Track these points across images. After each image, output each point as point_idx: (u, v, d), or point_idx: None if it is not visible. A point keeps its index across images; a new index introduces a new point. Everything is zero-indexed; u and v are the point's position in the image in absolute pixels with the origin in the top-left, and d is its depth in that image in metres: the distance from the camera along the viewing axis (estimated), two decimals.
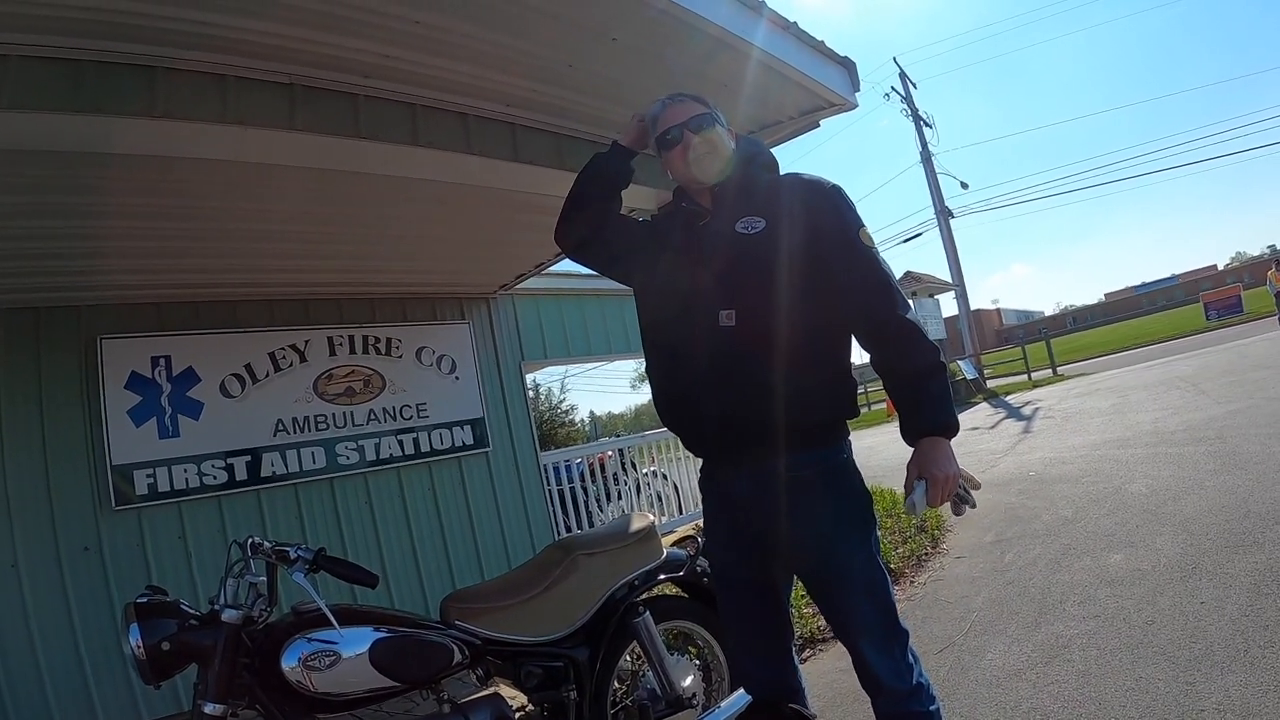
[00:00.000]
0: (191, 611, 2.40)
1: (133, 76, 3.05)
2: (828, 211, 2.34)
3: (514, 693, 3.18)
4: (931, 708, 2.35)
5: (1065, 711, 3.40)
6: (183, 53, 3.11)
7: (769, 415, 2.25)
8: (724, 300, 2.28)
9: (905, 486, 2.21)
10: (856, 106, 4.86)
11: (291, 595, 2.59)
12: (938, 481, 2.14)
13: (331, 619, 2.42)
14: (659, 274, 2.50)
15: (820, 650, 4.90)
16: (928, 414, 2.22)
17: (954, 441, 2.24)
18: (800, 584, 2.58)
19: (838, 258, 2.29)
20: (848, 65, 4.73)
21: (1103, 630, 4.13)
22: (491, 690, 2.94)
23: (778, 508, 2.30)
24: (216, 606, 2.37)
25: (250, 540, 2.50)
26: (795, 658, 2.64)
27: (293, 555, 2.43)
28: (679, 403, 2.46)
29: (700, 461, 2.62)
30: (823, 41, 4.44)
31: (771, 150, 2.62)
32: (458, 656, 2.73)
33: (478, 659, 2.85)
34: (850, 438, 2.49)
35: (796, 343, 2.26)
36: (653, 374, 2.58)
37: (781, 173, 2.52)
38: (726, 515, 2.46)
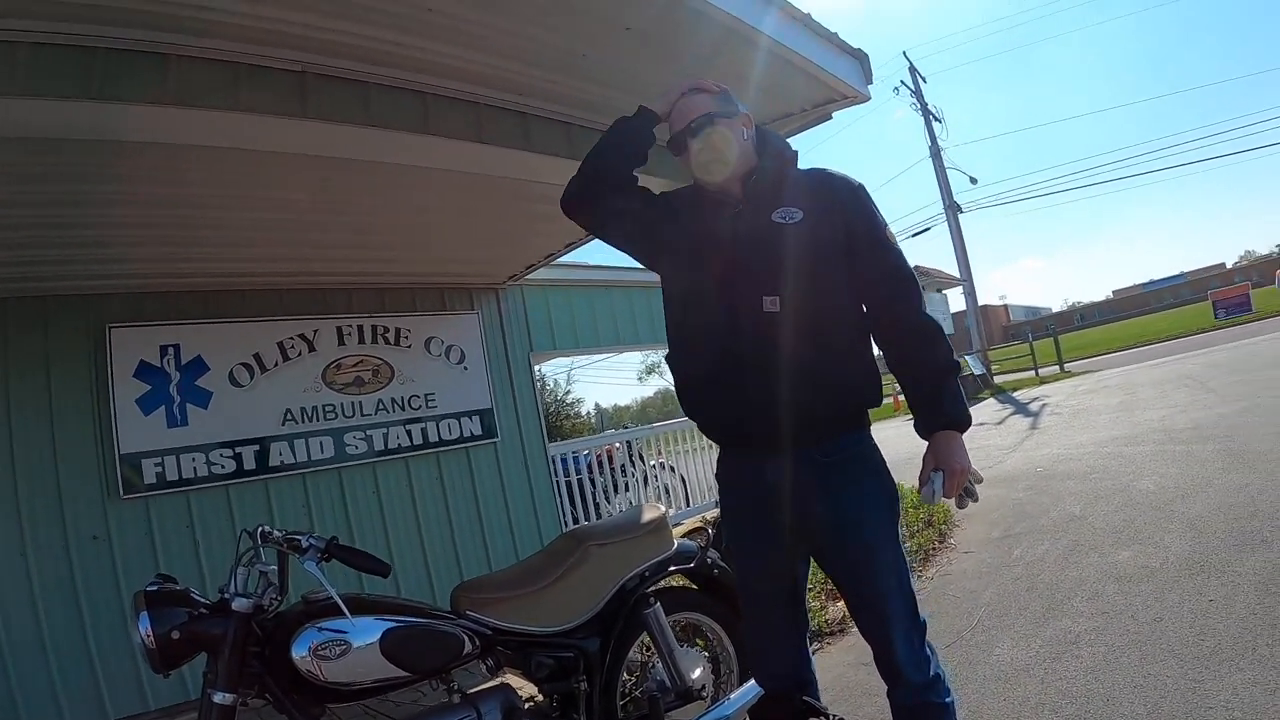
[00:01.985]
0: (201, 600, 2.39)
1: (144, 64, 3.05)
2: (859, 208, 2.39)
3: (523, 683, 3.19)
4: (948, 700, 2.39)
5: (1073, 707, 3.40)
6: (194, 39, 3.10)
7: (812, 400, 2.30)
8: (768, 286, 2.29)
9: (920, 478, 2.28)
10: (869, 99, 4.85)
11: (300, 585, 2.56)
12: (954, 474, 2.22)
13: (343, 608, 2.41)
14: (690, 257, 2.48)
15: (828, 644, 4.91)
16: (946, 409, 2.29)
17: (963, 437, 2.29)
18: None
19: (867, 253, 2.36)
20: (860, 57, 4.72)
21: (1111, 626, 4.14)
22: (500, 681, 2.94)
23: (812, 492, 2.33)
24: (226, 595, 2.36)
25: (261, 529, 2.49)
26: (809, 650, 2.65)
27: (305, 544, 2.42)
28: (716, 388, 2.42)
29: (715, 452, 2.62)
30: (836, 33, 4.43)
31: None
32: (468, 647, 2.73)
33: (488, 649, 2.84)
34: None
35: (835, 330, 2.33)
36: (683, 359, 2.56)
37: (803, 167, 2.52)
38: (754, 505, 2.45)
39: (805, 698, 2.49)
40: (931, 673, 2.38)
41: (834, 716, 2.52)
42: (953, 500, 2.27)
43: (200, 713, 2.32)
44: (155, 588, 2.33)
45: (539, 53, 3.78)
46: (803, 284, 2.28)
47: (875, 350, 2.47)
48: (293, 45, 3.33)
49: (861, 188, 2.43)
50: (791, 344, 2.27)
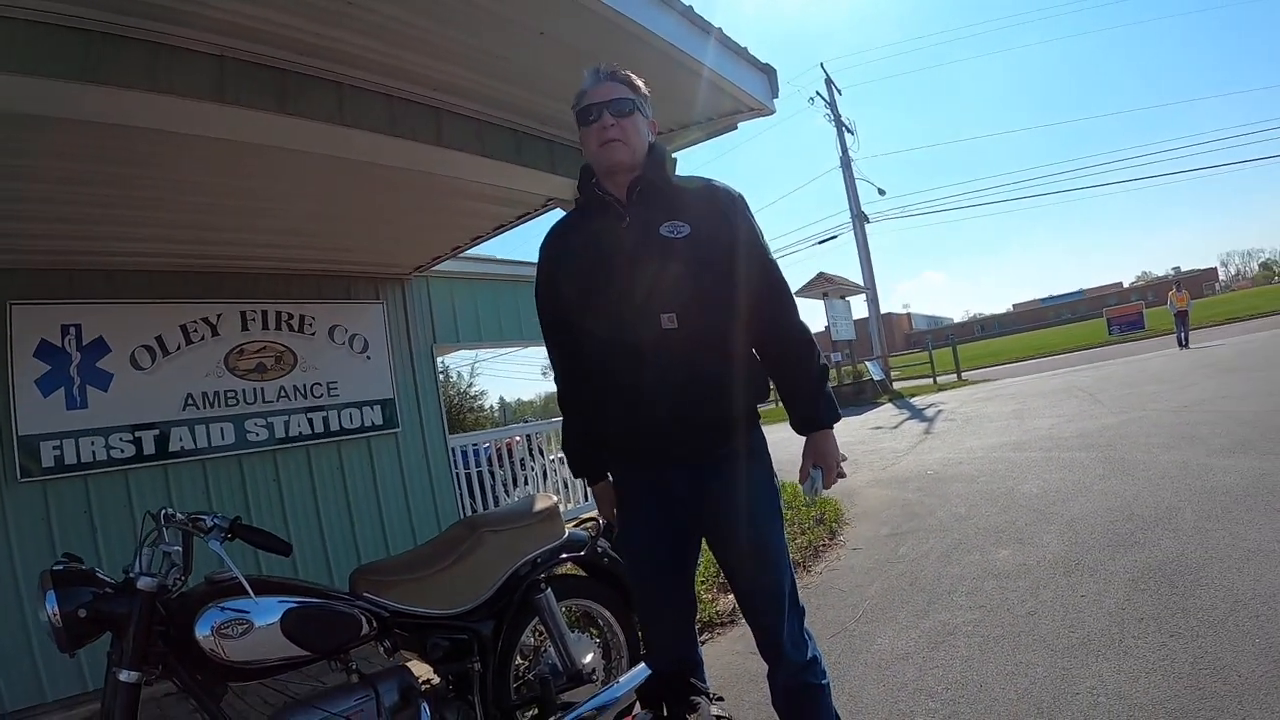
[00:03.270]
0: (107, 580, 2.42)
1: (67, 39, 3.07)
2: (741, 220, 2.51)
3: (421, 666, 3.28)
4: (824, 681, 2.59)
5: (948, 693, 3.60)
6: (119, 18, 3.14)
7: (714, 407, 2.44)
8: (663, 304, 2.39)
9: (801, 473, 2.49)
10: (774, 112, 5.08)
11: (203, 567, 2.63)
12: (830, 469, 2.45)
13: (246, 586, 2.47)
14: (587, 287, 2.54)
15: (719, 634, 5.06)
16: (820, 412, 2.50)
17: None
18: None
19: (749, 265, 2.48)
20: (768, 72, 4.94)
21: (987, 619, 4.37)
22: (398, 663, 3.03)
23: (710, 489, 2.49)
24: (131, 575, 2.40)
25: (164, 511, 2.52)
26: (697, 634, 2.84)
27: (209, 524, 2.47)
28: (631, 412, 2.50)
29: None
30: (745, 48, 4.63)
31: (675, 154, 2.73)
32: (366, 628, 2.81)
33: (385, 631, 2.92)
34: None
35: (727, 339, 2.45)
36: (585, 384, 2.65)
37: (683, 174, 2.64)
38: (654, 500, 2.57)
39: (691, 679, 2.63)
40: (809, 654, 2.57)
41: (714, 696, 2.64)
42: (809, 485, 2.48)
43: (105, 692, 2.35)
44: (62, 567, 2.35)
45: (454, 51, 3.90)
46: (697, 299, 2.40)
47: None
48: (214, 29, 3.38)
49: (741, 198, 2.56)
50: (690, 358, 2.40)
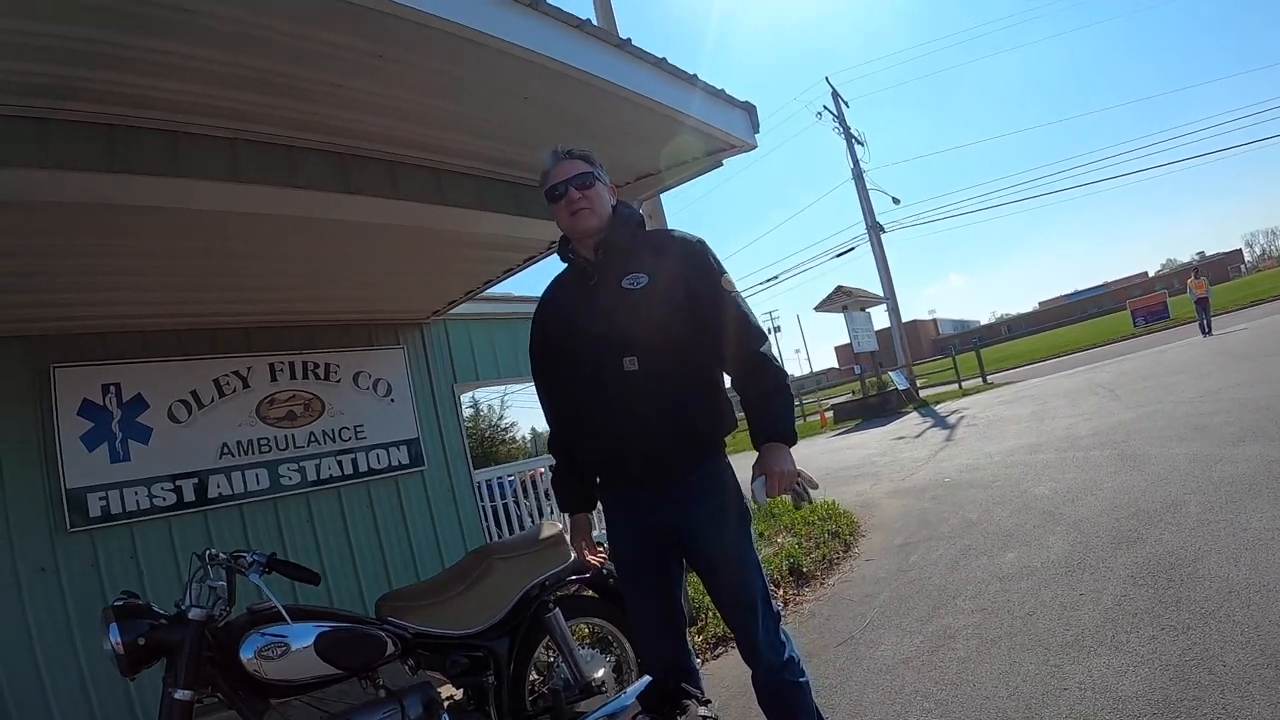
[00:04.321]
0: (161, 612, 2.79)
1: (88, 134, 3.37)
2: (698, 264, 2.83)
3: (443, 683, 3.60)
4: (802, 679, 2.86)
5: (944, 693, 3.80)
6: (138, 111, 3.44)
7: (673, 440, 2.75)
8: (624, 348, 2.71)
9: (752, 480, 2.71)
10: (756, 147, 5.33)
11: (244, 599, 2.97)
12: (774, 476, 2.63)
13: (284, 613, 2.83)
14: (568, 333, 2.91)
15: (724, 651, 5.30)
16: (771, 424, 2.73)
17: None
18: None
19: (707, 303, 2.78)
20: (748, 110, 5.21)
21: (988, 621, 4.55)
22: (422, 680, 3.34)
23: (682, 509, 2.78)
24: (183, 607, 2.76)
25: (207, 551, 2.92)
26: (690, 644, 3.10)
27: (249, 560, 2.85)
28: (602, 442, 2.86)
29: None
30: (723, 90, 4.90)
31: (639, 210, 3.07)
32: (391, 648, 3.15)
33: (409, 651, 3.27)
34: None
35: (687, 374, 2.77)
36: (572, 423, 3.02)
37: (649, 228, 3.02)
38: (635, 521, 2.88)
39: (685, 685, 2.88)
40: (786, 655, 2.84)
41: (706, 700, 2.89)
42: (788, 497, 2.74)
43: (161, 710, 2.69)
44: (122, 602, 2.73)
45: (452, 119, 4.20)
46: (655, 342, 2.71)
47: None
48: (225, 115, 3.67)
49: (701, 243, 2.89)
50: (653, 394, 2.71)
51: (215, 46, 3.09)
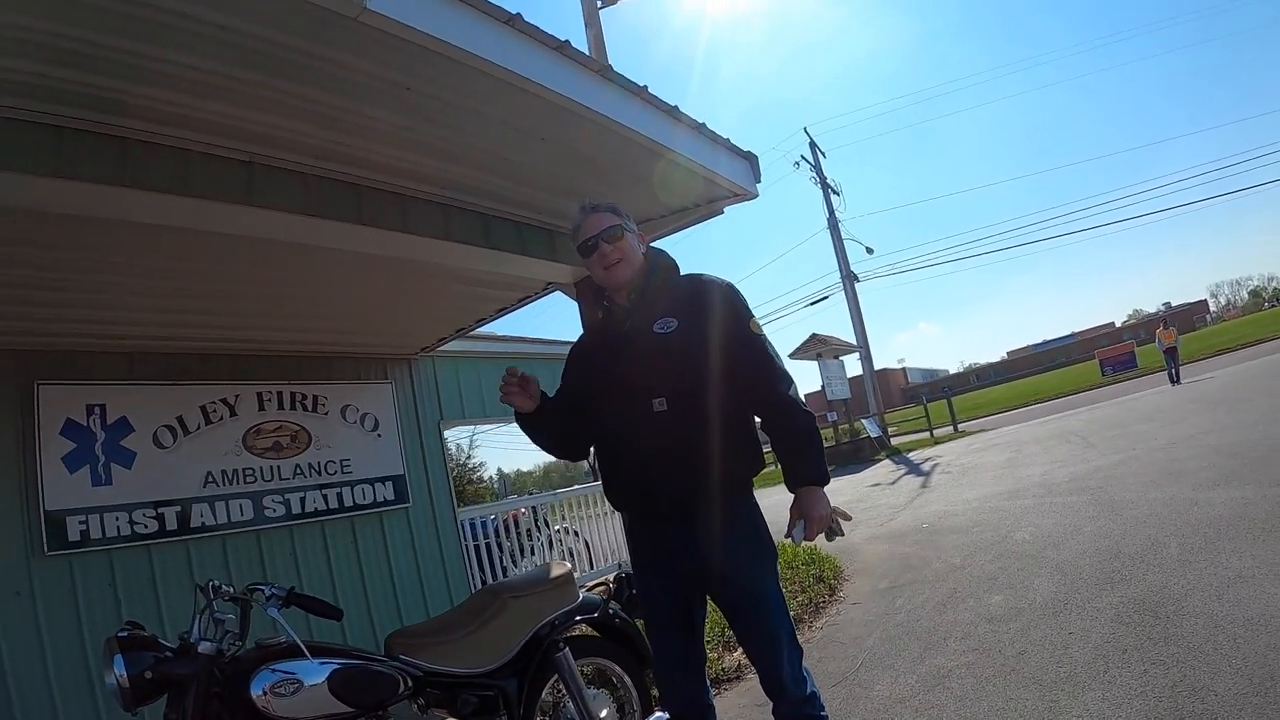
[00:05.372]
0: (167, 645, 2.68)
1: (102, 145, 3.32)
2: (726, 309, 2.86)
3: None
4: (822, 714, 2.84)
5: None
6: (154, 126, 3.39)
7: (703, 477, 2.74)
8: (655, 391, 2.75)
9: (789, 525, 2.73)
10: (758, 195, 5.34)
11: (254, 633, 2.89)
12: (812, 520, 2.69)
13: (304, 649, 2.75)
14: (604, 383, 2.94)
15: (726, 689, 5.23)
16: (804, 470, 2.78)
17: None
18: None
19: (736, 346, 2.81)
20: (750, 159, 5.23)
21: (980, 661, 4.53)
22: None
23: (706, 548, 2.75)
24: (190, 640, 2.67)
25: (211, 584, 2.82)
26: (708, 682, 3.07)
27: (267, 593, 2.77)
28: (626, 474, 2.91)
29: (617, 517, 3.07)
30: (728, 139, 4.92)
31: (668, 252, 3.07)
32: (402, 686, 3.08)
33: (420, 689, 3.19)
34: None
35: (715, 417, 2.76)
36: (604, 461, 3.03)
37: (682, 273, 3.02)
38: (663, 566, 2.88)
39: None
40: (809, 690, 2.82)
41: None
42: (821, 535, 2.73)
43: None
44: (126, 634, 2.62)
45: (460, 153, 4.17)
46: (683, 385, 2.75)
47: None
48: (241, 136, 3.63)
49: (730, 287, 2.93)
50: (680, 435, 2.73)
51: (242, 66, 3.07)
